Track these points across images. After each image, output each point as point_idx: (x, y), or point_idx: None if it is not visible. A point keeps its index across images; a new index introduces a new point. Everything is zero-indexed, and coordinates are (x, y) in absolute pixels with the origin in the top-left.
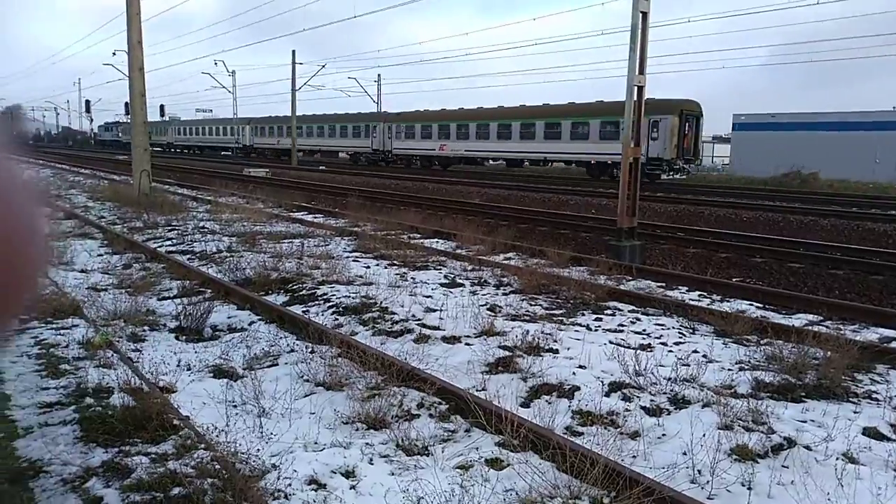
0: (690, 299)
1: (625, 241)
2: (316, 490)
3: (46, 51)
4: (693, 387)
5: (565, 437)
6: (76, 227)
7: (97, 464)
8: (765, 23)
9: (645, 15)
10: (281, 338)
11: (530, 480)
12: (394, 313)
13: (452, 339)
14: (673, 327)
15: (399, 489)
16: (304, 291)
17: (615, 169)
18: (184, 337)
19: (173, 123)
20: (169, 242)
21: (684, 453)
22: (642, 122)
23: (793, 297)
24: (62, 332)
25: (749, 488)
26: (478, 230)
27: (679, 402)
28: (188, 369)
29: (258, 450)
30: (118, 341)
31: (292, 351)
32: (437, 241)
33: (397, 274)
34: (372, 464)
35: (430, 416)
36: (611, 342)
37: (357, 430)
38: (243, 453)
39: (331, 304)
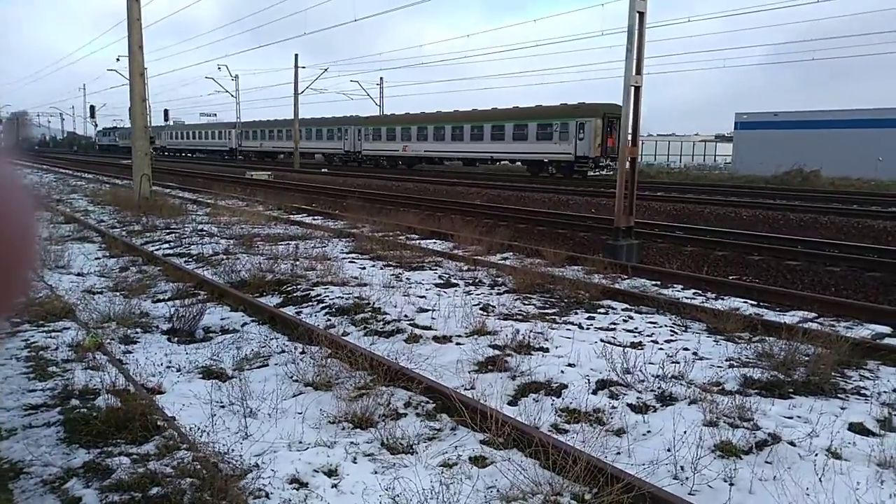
0: (684, 297)
1: (622, 240)
2: (297, 489)
3: (52, 56)
4: (681, 384)
5: (549, 434)
6: (75, 230)
7: (78, 464)
8: (765, 21)
9: (641, 15)
10: (272, 339)
11: (512, 478)
12: (386, 314)
13: (443, 339)
14: (665, 325)
15: (380, 487)
16: (298, 293)
17: (550, 166)
18: (176, 339)
19: (166, 128)
20: (167, 245)
21: (668, 450)
22: (567, 125)
23: (787, 294)
24: (53, 334)
25: (731, 484)
26: (475, 231)
27: (666, 400)
28: (177, 371)
29: (241, 450)
30: (109, 343)
31: (283, 352)
32: (435, 242)
33: (392, 275)
34: (355, 462)
35: (417, 414)
36: (602, 340)
37: (343, 429)
38: (226, 453)
39: (324, 305)
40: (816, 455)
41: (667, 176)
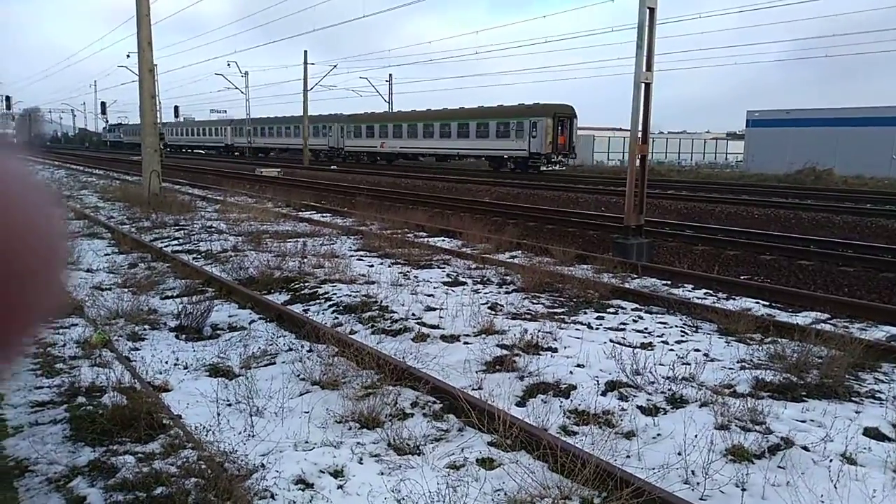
0: (695, 297)
1: (632, 239)
2: (303, 490)
3: (63, 53)
4: (692, 386)
5: (557, 436)
6: (85, 227)
7: (83, 463)
8: (779, 18)
9: (652, 11)
10: (280, 337)
11: (520, 480)
12: (394, 312)
13: (451, 338)
14: (675, 325)
15: (387, 489)
16: (306, 290)
17: (509, 161)
18: (183, 336)
19: (167, 126)
20: (176, 242)
21: (678, 453)
22: (523, 124)
23: (800, 294)
24: (61, 331)
25: (743, 489)
26: (484, 229)
27: (676, 402)
28: (185, 368)
29: (247, 449)
30: (117, 340)
31: (290, 350)
32: (443, 240)
33: (400, 273)
34: (361, 463)
35: (424, 415)
36: (611, 341)
37: (349, 429)
38: (231, 452)
39: (332, 302)
40: (831, 461)
41: (677, 174)
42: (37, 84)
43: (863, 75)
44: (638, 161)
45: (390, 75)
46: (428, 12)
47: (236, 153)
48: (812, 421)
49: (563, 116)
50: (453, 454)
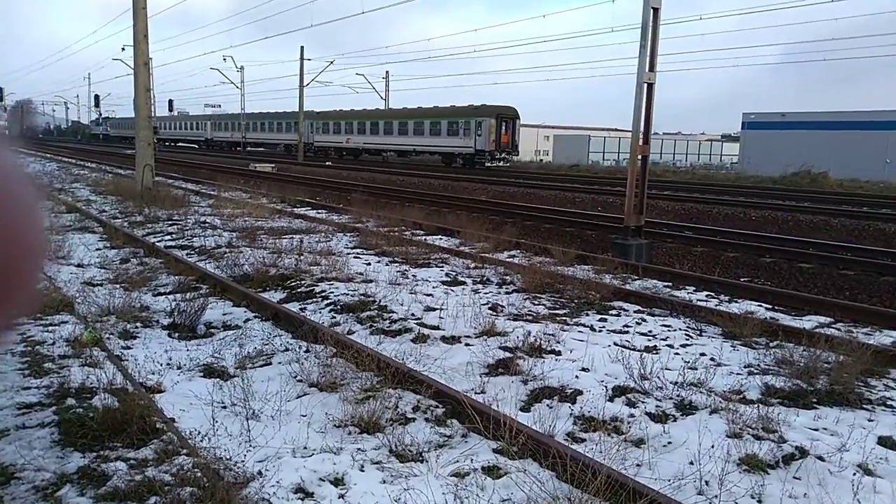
0: (698, 299)
1: (631, 240)
2: (302, 499)
3: (57, 45)
4: (700, 392)
5: (566, 444)
6: (76, 220)
7: (73, 470)
8: (777, 21)
9: (656, 11)
10: (276, 336)
11: (529, 490)
12: (393, 312)
13: (452, 340)
14: (679, 328)
15: (390, 498)
16: (302, 288)
17: (458, 158)
18: (177, 334)
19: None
20: (169, 237)
21: (691, 463)
22: (470, 123)
23: (803, 298)
24: (50, 328)
25: (759, 501)
26: (482, 227)
27: (686, 408)
28: (178, 368)
29: (244, 455)
30: (108, 339)
31: (287, 350)
32: (441, 238)
33: (398, 271)
34: (363, 471)
35: (426, 420)
36: (615, 344)
37: (349, 434)
38: (228, 459)
39: (329, 301)
40: (853, 472)
41: (673, 175)
42: (31, 75)
43: (858, 79)
44: (639, 161)
45: (387, 72)
46: (428, 10)
47: (215, 147)
48: (825, 429)
49: (506, 117)
50: (458, 461)
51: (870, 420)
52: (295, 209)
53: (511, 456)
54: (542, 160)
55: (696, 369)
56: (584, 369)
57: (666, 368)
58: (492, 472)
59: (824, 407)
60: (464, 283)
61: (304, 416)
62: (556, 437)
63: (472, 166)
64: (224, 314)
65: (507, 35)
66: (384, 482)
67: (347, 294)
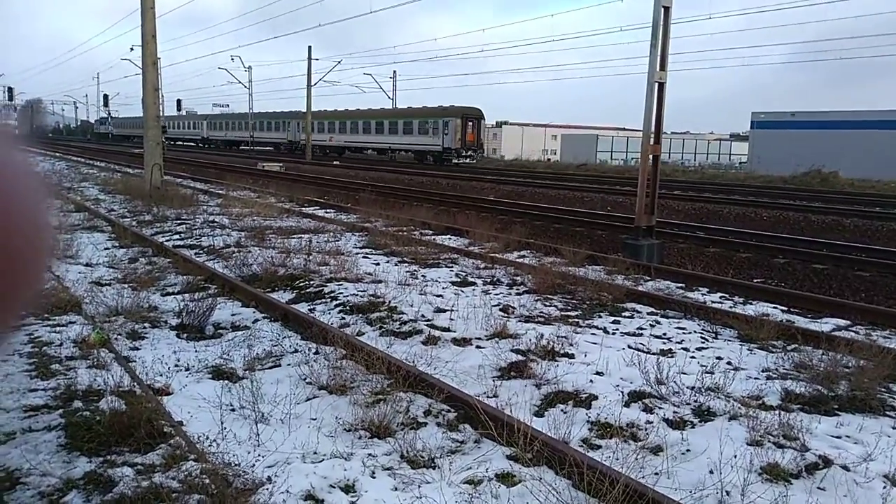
0: (712, 301)
1: (643, 240)
2: None
3: (67, 44)
4: (719, 397)
5: (582, 451)
6: (85, 220)
7: (79, 475)
8: (788, 20)
9: (667, 10)
10: (285, 337)
11: (544, 500)
12: (402, 313)
13: (463, 342)
14: (694, 331)
15: None
16: (311, 289)
17: (429, 156)
18: (185, 335)
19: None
20: (177, 237)
21: (711, 472)
22: (438, 123)
23: (819, 300)
24: (58, 329)
25: None
26: (491, 227)
27: (704, 414)
28: (186, 370)
29: (253, 460)
30: (116, 339)
31: (296, 351)
32: (450, 238)
33: (408, 272)
34: (374, 477)
35: (438, 424)
36: (630, 346)
37: (360, 438)
38: (236, 465)
39: (338, 302)
40: (884, 486)
41: (682, 174)
42: (41, 75)
43: (868, 78)
44: (650, 161)
45: (395, 72)
46: (436, 10)
47: (210, 146)
48: (848, 437)
49: (471, 117)
50: (471, 468)
51: (894, 428)
52: (303, 209)
53: (526, 463)
54: (549, 160)
55: (714, 373)
56: (598, 373)
57: (682, 372)
58: (506, 479)
59: (846, 414)
60: (474, 283)
61: (314, 419)
62: (571, 444)
63: (440, 163)
64: (233, 314)
65: (514, 35)
66: (395, 489)
67: (357, 295)
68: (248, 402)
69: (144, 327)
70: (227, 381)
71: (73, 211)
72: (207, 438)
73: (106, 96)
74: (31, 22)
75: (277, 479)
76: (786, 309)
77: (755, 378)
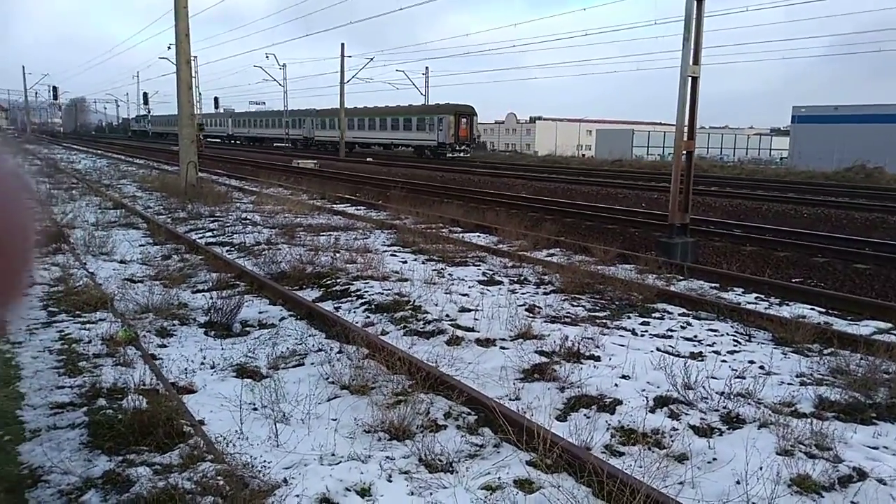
0: (746, 302)
1: (676, 238)
2: None
3: (108, 43)
4: (749, 403)
5: (603, 458)
6: (122, 217)
7: (98, 474)
8: (830, 11)
9: (700, 3)
10: (310, 336)
11: None
12: (427, 312)
13: (486, 342)
14: (727, 333)
15: None
16: (337, 287)
17: (426, 150)
18: (212, 332)
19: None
20: (210, 234)
21: (738, 482)
22: (433, 119)
23: (859, 301)
24: (88, 326)
25: None
26: (521, 225)
27: (733, 422)
28: (211, 368)
29: (270, 461)
30: (144, 336)
31: (320, 350)
32: (479, 236)
33: (434, 270)
34: (391, 481)
35: (458, 427)
36: (658, 349)
37: (378, 440)
38: (254, 465)
39: (363, 300)
40: None
41: (720, 170)
42: (84, 74)
43: None
44: (684, 157)
45: (427, 68)
46: (469, 5)
47: (235, 142)
48: (886, 448)
49: (464, 114)
50: (489, 473)
51: None
52: (334, 206)
53: (544, 469)
54: (584, 155)
55: (745, 378)
56: (624, 377)
57: (712, 377)
58: (524, 486)
59: (885, 423)
60: (500, 282)
61: (334, 419)
62: (593, 451)
63: (436, 157)
64: (260, 312)
65: (546, 30)
66: (412, 493)
67: (382, 293)
68: (269, 402)
69: (174, 324)
70: (250, 380)
71: (110, 208)
72: (226, 438)
73: (146, 94)
74: (79, 20)
75: (294, 480)
76: (824, 311)
77: (788, 383)
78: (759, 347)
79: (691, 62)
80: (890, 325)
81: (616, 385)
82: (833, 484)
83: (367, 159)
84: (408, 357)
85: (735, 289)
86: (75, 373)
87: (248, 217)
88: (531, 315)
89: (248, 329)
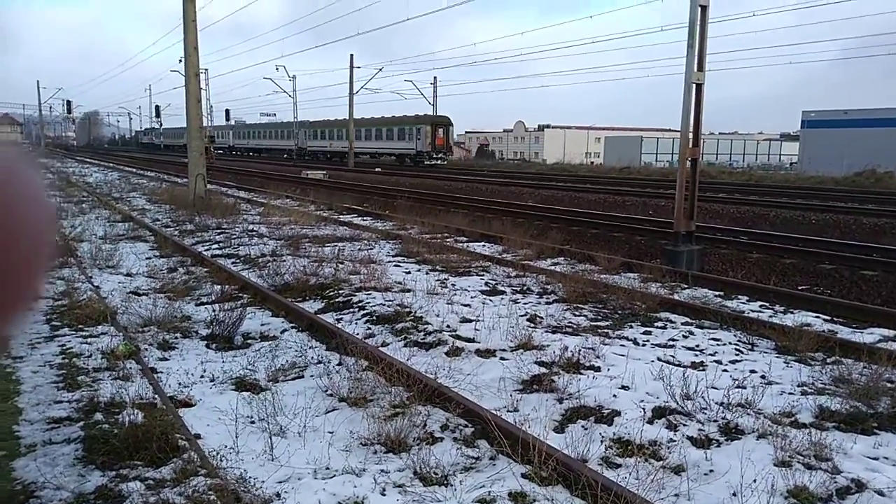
0: (751, 310)
1: (681, 246)
2: None
3: (121, 57)
4: (748, 413)
5: (598, 471)
6: (130, 230)
7: (90, 489)
8: (838, 15)
9: (704, 9)
10: (310, 348)
11: None
12: (428, 323)
13: (486, 353)
14: (730, 342)
15: None
16: (339, 298)
17: (406, 158)
18: (214, 345)
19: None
20: (216, 246)
21: (734, 494)
22: (412, 129)
23: (864, 308)
24: (90, 340)
25: None
26: (526, 234)
27: (731, 432)
28: (211, 381)
29: (264, 475)
30: (146, 349)
31: (320, 362)
32: (484, 245)
33: (437, 280)
34: (384, 495)
35: (454, 439)
36: (659, 359)
37: (374, 453)
38: (247, 480)
39: (365, 312)
40: None
41: (728, 176)
42: (98, 87)
43: None
44: (689, 164)
45: (435, 78)
46: (476, 15)
47: (235, 153)
48: (886, 458)
49: (440, 124)
50: (483, 486)
51: None
52: (341, 216)
53: (539, 482)
54: (592, 163)
55: (745, 388)
56: (623, 387)
57: (712, 387)
58: (518, 499)
59: (886, 433)
60: (503, 292)
61: (331, 432)
62: (589, 462)
63: (416, 164)
64: (262, 324)
65: (553, 38)
66: None
67: (384, 304)
68: (267, 415)
69: (176, 337)
70: (249, 393)
71: (119, 221)
72: (220, 452)
73: (157, 107)
74: (95, 32)
75: (286, 495)
76: (829, 318)
77: (789, 393)
78: (762, 356)
79: (696, 69)
80: (895, 332)
81: (615, 396)
82: (831, 496)
83: (376, 169)
84: (406, 369)
85: (740, 297)
86: (74, 387)
87: (255, 229)
88: (532, 325)
89: (249, 341)
